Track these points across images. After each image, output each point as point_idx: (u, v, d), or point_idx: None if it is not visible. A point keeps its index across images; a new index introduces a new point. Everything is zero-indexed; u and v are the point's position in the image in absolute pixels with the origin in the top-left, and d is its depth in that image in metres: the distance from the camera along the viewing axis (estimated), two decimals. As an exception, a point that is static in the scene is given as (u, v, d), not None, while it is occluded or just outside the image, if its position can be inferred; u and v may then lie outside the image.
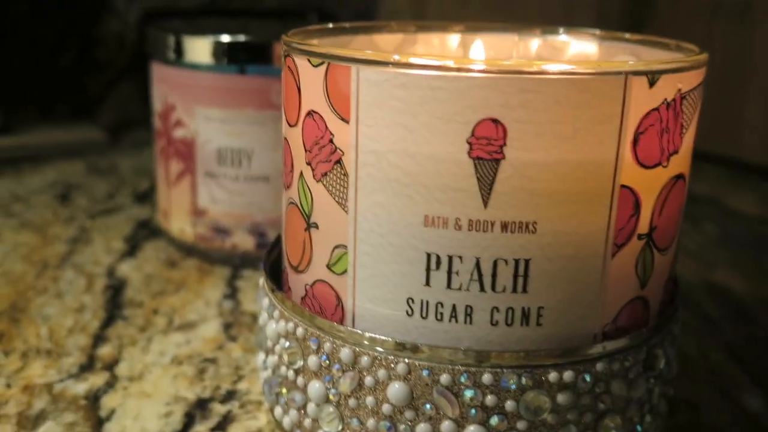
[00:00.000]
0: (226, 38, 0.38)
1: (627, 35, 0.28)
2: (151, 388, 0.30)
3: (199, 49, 0.39)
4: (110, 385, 0.30)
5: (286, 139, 0.25)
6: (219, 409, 0.28)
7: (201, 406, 0.29)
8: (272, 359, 0.25)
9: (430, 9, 0.76)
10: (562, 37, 0.30)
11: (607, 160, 0.20)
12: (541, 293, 0.21)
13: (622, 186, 0.21)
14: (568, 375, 0.21)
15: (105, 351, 0.32)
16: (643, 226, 0.22)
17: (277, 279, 0.27)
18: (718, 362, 0.33)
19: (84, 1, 0.70)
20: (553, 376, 0.21)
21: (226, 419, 0.28)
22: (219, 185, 0.39)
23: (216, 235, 0.40)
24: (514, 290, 0.21)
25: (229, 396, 0.29)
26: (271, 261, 0.28)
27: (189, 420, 0.28)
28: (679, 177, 0.23)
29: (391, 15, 0.79)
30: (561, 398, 0.21)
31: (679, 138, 0.22)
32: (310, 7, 0.76)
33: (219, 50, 0.38)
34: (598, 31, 0.29)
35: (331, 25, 0.28)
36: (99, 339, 0.33)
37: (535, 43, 0.30)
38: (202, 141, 0.39)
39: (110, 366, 0.31)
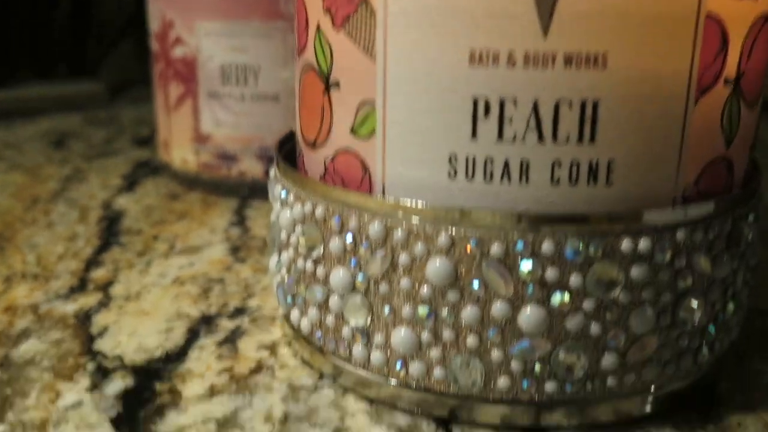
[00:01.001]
0: (228, -58, 0.35)
1: None
2: (150, 306, 0.26)
3: (200, -45, 0.35)
4: (104, 304, 0.26)
5: (300, -3, 0.21)
6: (227, 324, 0.25)
7: (206, 321, 0.25)
8: (287, 255, 0.22)
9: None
10: None
11: (689, -20, 0.17)
12: (611, 143, 0.17)
13: (708, 15, 0.17)
14: (643, 244, 0.18)
15: (98, 274, 0.29)
16: (731, 70, 0.18)
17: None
18: (786, 276, 0.29)
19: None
20: (626, 245, 0.18)
21: (236, 333, 0.24)
22: (223, 106, 0.36)
23: (221, 163, 0.37)
24: (580, 140, 0.17)
25: (239, 312, 0.26)
26: (284, 155, 0.24)
27: (193, 335, 0.24)
28: None
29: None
30: (635, 272, 0.18)
31: (768, -32, 0.19)
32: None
33: (221, -44, 0.35)
34: None
35: None
36: (92, 263, 0.30)
37: None
38: (204, 59, 0.36)
39: (104, 287, 0.28)
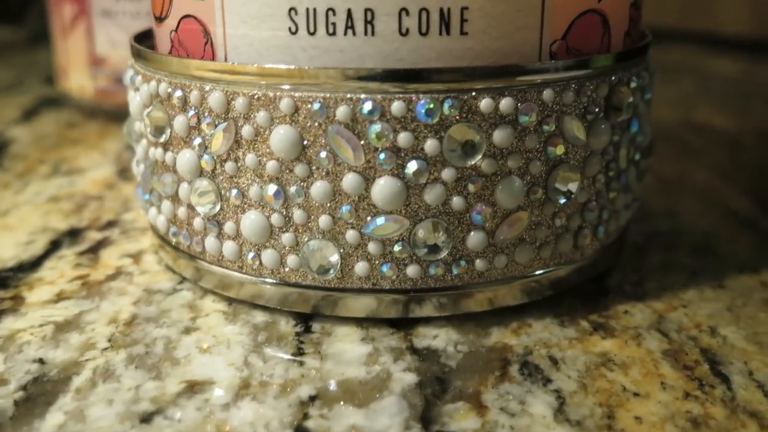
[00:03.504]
0: None
1: None
2: (16, 221, 0.24)
3: None
4: (-35, 221, 0.24)
5: None
6: (94, 236, 0.23)
7: (72, 234, 0.23)
8: (141, 148, 0.20)
9: None
10: None
11: None
12: (464, -13, 0.16)
13: None
14: (505, 104, 0.16)
15: (-32, 194, 0.27)
16: None
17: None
18: (701, 180, 0.28)
19: None
20: (485, 104, 0.16)
21: (101, 244, 0.22)
22: (118, 25, 0.34)
23: (119, 87, 0.35)
24: (428, -18, 0.15)
25: (110, 225, 0.24)
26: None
27: (54, 246, 0.22)
28: None
29: None
30: (498, 136, 0.16)
31: None
32: None
33: None
34: None
35: None
36: (-35, 185, 0.28)
37: None
38: (97, -26, 0.33)
39: (-29, 206, 0.26)
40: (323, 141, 0.16)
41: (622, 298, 0.19)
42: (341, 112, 0.16)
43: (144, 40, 0.22)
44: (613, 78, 0.17)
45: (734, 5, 0.54)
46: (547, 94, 0.16)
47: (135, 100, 0.19)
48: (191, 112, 0.17)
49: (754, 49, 0.51)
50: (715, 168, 0.29)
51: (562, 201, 0.17)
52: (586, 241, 0.18)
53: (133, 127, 0.20)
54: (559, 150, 0.17)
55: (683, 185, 0.27)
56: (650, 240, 0.22)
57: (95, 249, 0.22)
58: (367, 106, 0.16)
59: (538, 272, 0.18)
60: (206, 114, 0.17)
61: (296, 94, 0.16)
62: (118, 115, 0.35)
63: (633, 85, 0.18)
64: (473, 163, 0.16)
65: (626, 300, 0.19)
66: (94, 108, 0.36)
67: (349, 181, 0.16)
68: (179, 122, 0.18)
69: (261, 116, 0.16)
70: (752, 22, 0.53)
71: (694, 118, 0.36)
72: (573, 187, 0.17)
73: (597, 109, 0.17)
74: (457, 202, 0.16)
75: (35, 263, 0.21)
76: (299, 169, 0.16)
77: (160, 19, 0.19)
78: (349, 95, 0.16)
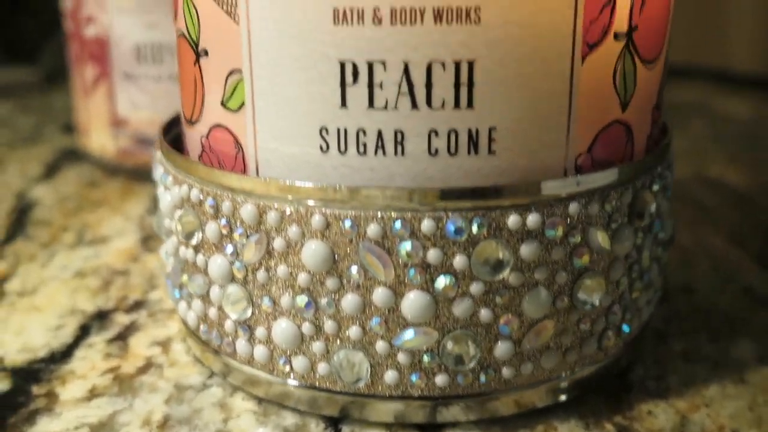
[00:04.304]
0: None
1: None
2: (45, 301, 0.25)
3: (107, -72, 0.33)
4: (-6, 301, 0.25)
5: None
6: (122, 319, 0.23)
7: (101, 317, 0.24)
8: (171, 243, 0.20)
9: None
10: None
11: (571, -72, 0.15)
12: (491, 108, 0.16)
13: (593, -35, 0.16)
14: (533, 219, 0.16)
15: (-4, 268, 0.27)
16: (621, 23, 0.17)
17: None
18: (717, 247, 0.28)
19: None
20: (513, 220, 0.16)
21: (129, 329, 0.23)
22: (139, 88, 0.34)
23: (140, 148, 0.35)
24: (457, 105, 0.16)
25: (137, 306, 0.24)
26: (171, 137, 0.22)
27: (83, 332, 0.23)
28: (667, -30, 0.18)
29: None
30: (525, 251, 0.16)
31: None
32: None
33: (130, -72, 0.33)
34: None
35: None
36: (-8, 257, 0.28)
37: None
38: (117, 37, 0.34)
39: (0, 283, 0.26)
40: (354, 256, 0.16)
41: (645, 396, 0.19)
42: (372, 229, 0.16)
43: (172, 126, 0.22)
44: (637, 183, 0.18)
45: (746, 41, 0.54)
46: (573, 207, 0.16)
47: (165, 199, 0.20)
48: (223, 221, 0.18)
49: (766, 87, 0.51)
50: (729, 232, 0.29)
51: (588, 308, 0.17)
52: (610, 343, 0.18)
53: (163, 222, 0.21)
54: (585, 260, 0.17)
55: (699, 254, 0.27)
56: (670, 324, 0.23)
57: (124, 336, 0.22)
58: (398, 225, 0.16)
59: (562, 375, 0.18)
60: (238, 224, 0.17)
61: (327, 211, 0.16)
62: (140, 173, 0.36)
63: (655, 188, 0.18)
64: (501, 277, 0.16)
65: (649, 398, 0.19)
66: (115, 167, 0.36)
67: (380, 295, 0.16)
68: (211, 229, 0.18)
69: (293, 231, 0.17)
70: (765, 59, 0.53)
71: (706, 172, 0.36)
72: (599, 295, 0.17)
73: (621, 218, 0.17)
74: (485, 314, 0.17)
75: (66, 353, 0.22)
76: (330, 282, 0.17)
77: (190, 122, 0.19)
78: (379, 213, 0.16)
